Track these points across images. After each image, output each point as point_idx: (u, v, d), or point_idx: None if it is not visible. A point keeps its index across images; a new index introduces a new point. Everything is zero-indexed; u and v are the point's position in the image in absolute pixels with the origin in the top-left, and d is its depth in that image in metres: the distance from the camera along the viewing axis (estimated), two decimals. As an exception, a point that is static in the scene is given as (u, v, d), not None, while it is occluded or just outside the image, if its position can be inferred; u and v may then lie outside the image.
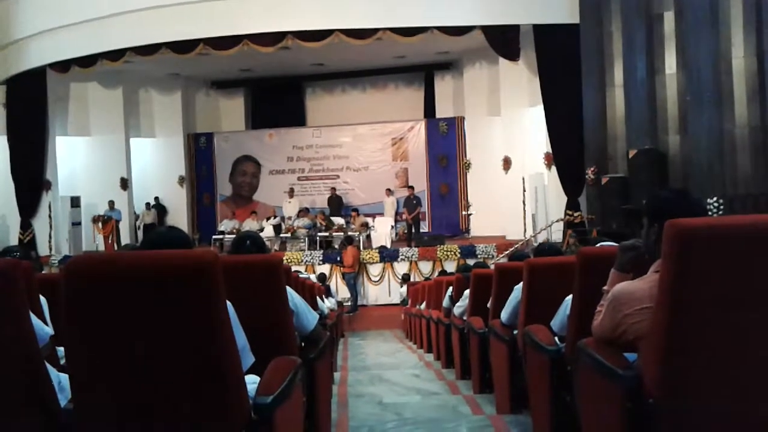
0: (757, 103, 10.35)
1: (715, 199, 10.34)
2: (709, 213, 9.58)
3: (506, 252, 13.71)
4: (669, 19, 11.39)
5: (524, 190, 14.42)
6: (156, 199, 18.58)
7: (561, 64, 13.03)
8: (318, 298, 6.03)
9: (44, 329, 2.55)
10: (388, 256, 14.74)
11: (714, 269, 1.77)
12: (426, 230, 17.41)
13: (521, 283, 3.62)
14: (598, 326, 2.18)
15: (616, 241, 2.61)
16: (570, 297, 2.85)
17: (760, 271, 1.78)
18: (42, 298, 3.01)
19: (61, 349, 2.72)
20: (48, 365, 2.05)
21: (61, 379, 2.17)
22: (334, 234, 15.95)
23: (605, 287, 2.26)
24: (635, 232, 2.26)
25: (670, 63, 11.43)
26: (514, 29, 13.82)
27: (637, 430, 1.89)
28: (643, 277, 2.09)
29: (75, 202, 16.85)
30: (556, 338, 3.02)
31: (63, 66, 15.28)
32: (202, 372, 1.84)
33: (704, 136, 10.77)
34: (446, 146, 18.37)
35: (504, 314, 3.92)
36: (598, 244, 3.21)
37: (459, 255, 14.24)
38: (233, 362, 1.88)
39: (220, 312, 1.84)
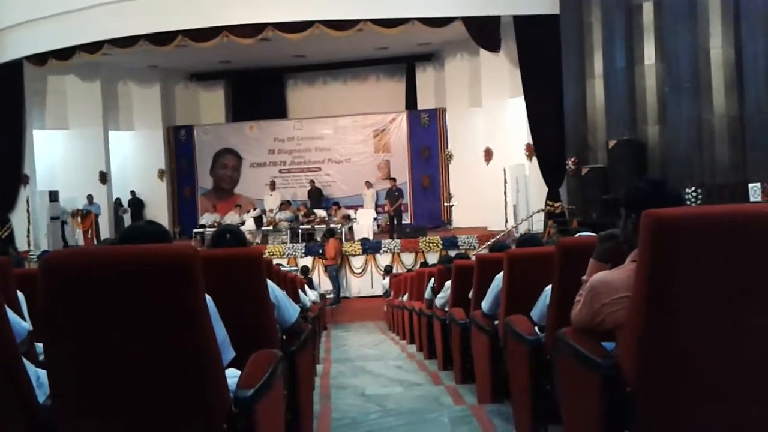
0: (734, 94, 10.47)
1: (693, 188, 10.46)
2: (687, 203, 9.69)
3: (488, 243, 13.77)
4: (648, 10, 11.47)
5: (505, 181, 14.48)
6: (132, 193, 18.46)
7: (541, 55, 13.07)
8: (300, 291, 6.02)
9: (22, 325, 2.52)
10: (370, 248, 14.75)
11: (690, 259, 1.79)
12: (408, 222, 17.43)
13: (502, 272, 3.64)
14: (576, 316, 2.20)
15: (596, 232, 2.63)
16: (549, 287, 2.88)
17: (736, 260, 1.81)
18: (20, 294, 2.98)
19: (39, 345, 2.69)
20: (26, 361, 2.04)
21: (39, 375, 2.15)
22: (316, 226, 15.93)
23: (584, 277, 2.28)
24: (615, 222, 2.29)
25: (649, 54, 11.51)
26: (495, 20, 13.84)
27: (616, 418, 1.91)
28: (620, 266, 2.11)
29: (53, 196, 16.64)
30: (536, 328, 3.04)
31: (40, 58, 15.07)
32: (181, 366, 1.83)
33: (683, 126, 10.88)
34: (428, 138, 18.39)
35: (485, 303, 3.94)
36: (577, 235, 3.23)
37: (441, 246, 14.28)
38: (213, 356, 1.87)
39: (199, 306, 1.83)
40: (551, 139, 13.23)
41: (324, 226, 15.66)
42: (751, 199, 9.86)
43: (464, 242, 14.31)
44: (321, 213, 16.48)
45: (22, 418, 1.93)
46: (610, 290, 2.04)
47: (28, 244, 15.92)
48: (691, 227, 1.80)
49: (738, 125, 10.46)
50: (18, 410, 1.93)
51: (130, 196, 18.40)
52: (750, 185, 10.02)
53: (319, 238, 15.59)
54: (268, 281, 2.83)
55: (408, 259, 14.51)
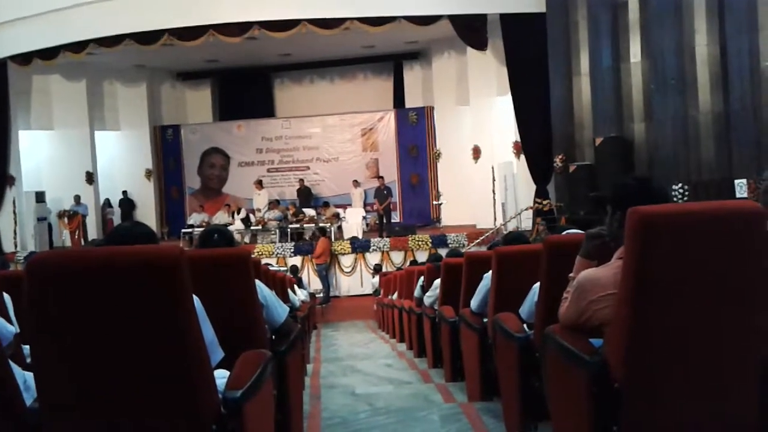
0: (720, 90, 10.54)
1: (679, 185, 10.52)
2: (674, 199, 9.76)
3: (477, 240, 13.81)
4: (633, 7, 11.52)
5: (494, 179, 14.50)
6: (124, 193, 18.36)
7: (528, 53, 13.12)
8: (289, 291, 6.01)
9: (8, 328, 2.51)
10: (359, 246, 14.74)
11: (675, 255, 1.80)
12: (397, 220, 17.43)
13: (490, 271, 3.65)
14: (564, 313, 2.21)
15: (583, 229, 2.64)
16: (538, 284, 2.88)
17: (720, 257, 1.82)
18: (6, 296, 2.96)
19: (26, 348, 2.68)
20: (13, 364, 2.02)
21: (26, 378, 2.14)
22: (305, 226, 15.91)
23: (571, 274, 2.29)
24: (602, 219, 2.30)
25: (635, 51, 11.57)
26: (482, 18, 13.86)
27: (603, 413, 1.92)
28: (607, 263, 2.12)
29: (40, 197, 16.52)
30: (525, 325, 3.05)
31: (25, 58, 14.94)
32: (169, 368, 1.82)
33: (669, 123, 10.95)
34: (416, 136, 18.40)
35: (474, 302, 3.95)
36: (564, 232, 3.25)
37: (430, 245, 14.29)
38: (201, 357, 1.87)
39: (186, 307, 1.82)
40: (539, 136, 13.28)
41: (313, 225, 15.64)
42: (738, 195, 9.92)
43: (453, 240, 14.32)
44: (310, 212, 16.44)
45: (9, 421, 1.92)
46: (597, 287, 2.05)
47: (15, 246, 15.79)
48: (675, 224, 1.81)
49: (723, 122, 10.53)
50: (5, 414, 1.92)
51: (122, 196, 18.29)
52: (736, 181, 10.09)
53: (308, 237, 15.56)
54: (257, 281, 2.82)
55: (397, 257, 14.51)
